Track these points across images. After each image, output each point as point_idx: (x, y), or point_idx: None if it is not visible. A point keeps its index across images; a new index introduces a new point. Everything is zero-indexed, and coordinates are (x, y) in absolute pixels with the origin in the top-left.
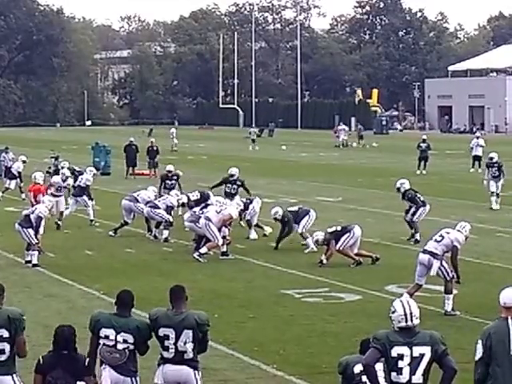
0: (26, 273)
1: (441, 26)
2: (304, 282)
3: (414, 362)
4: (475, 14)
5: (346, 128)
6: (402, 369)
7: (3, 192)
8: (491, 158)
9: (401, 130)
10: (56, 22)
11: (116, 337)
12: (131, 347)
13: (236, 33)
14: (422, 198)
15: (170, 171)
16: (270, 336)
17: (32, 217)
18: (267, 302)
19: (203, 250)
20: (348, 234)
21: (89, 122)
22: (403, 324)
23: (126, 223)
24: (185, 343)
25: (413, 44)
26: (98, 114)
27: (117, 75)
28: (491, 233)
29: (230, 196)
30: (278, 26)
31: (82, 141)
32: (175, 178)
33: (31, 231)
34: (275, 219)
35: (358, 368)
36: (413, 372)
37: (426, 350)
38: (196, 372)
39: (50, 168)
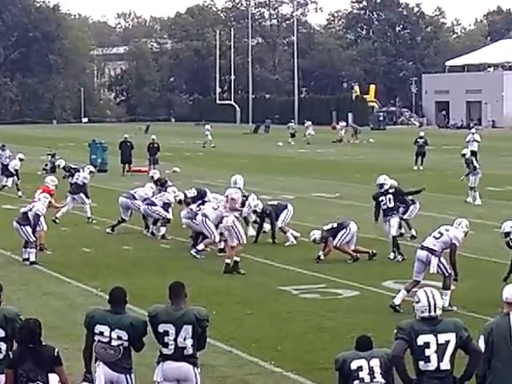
0: (24, 271)
1: (438, 20)
2: (302, 278)
3: (441, 349)
4: (472, 8)
5: (310, 124)
6: (429, 357)
7: (0, 190)
8: (463, 155)
9: (420, 126)
10: (52, 18)
11: (110, 333)
12: (126, 344)
13: (232, 29)
14: (410, 197)
15: (151, 177)
16: (268, 332)
17: (30, 214)
18: (265, 299)
19: (200, 246)
20: (344, 230)
21: (85, 119)
22: (426, 314)
23: (124, 220)
24: (184, 339)
25: (410, 39)
26: (95, 111)
27: (113, 72)
28: (488, 228)
29: (389, 213)
30: (275, 21)
31: (78, 138)
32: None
33: (29, 229)
34: (254, 211)
35: (354, 364)
36: (440, 359)
37: (451, 337)
38: (195, 368)
39: (46, 165)
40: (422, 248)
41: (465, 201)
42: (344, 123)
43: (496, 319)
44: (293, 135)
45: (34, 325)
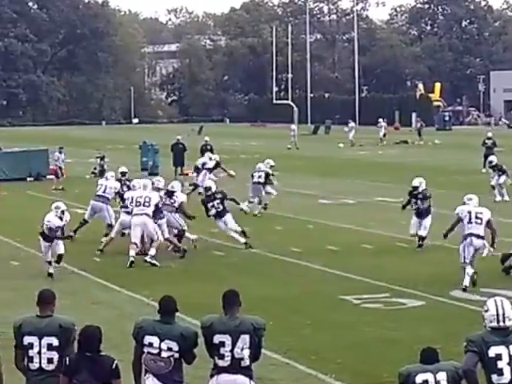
0: (72, 279)
1: (506, 14)
2: (363, 287)
3: None
4: None
5: (354, 126)
6: (502, 369)
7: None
8: (490, 162)
9: (509, 127)
10: (101, 14)
11: (160, 344)
12: (176, 355)
13: (290, 25)
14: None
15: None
16: (328, 344)
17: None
18: (324, 309)
19: (152, 251)
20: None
21: (136, 120)
22: (495, 324)
23: (86, 221)
24: (242, 349)
25: (477, 34)
26: (146, 112)
27: (165, 70)
28: None
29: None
30: (334, 16)
31: (128, 140)
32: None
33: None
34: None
35: (420, 378)
36: None
37: None
38: (251, 381)
39: (95, 168)
40: None
41: (494, 201)
42: (384, 123)
43: None
44: (384, 135)
45: (93, 332)
